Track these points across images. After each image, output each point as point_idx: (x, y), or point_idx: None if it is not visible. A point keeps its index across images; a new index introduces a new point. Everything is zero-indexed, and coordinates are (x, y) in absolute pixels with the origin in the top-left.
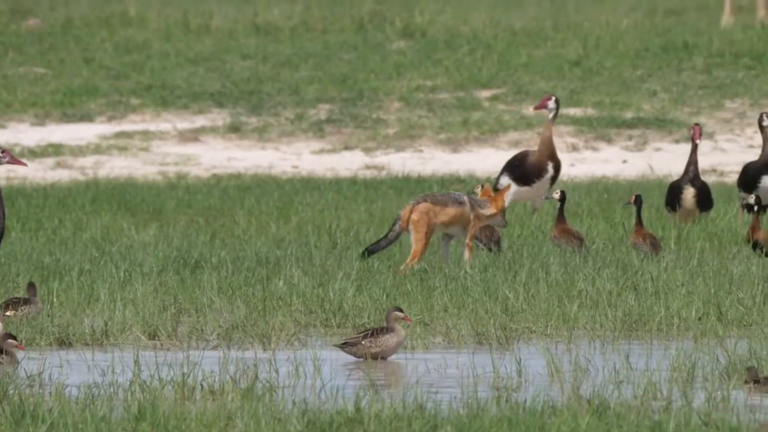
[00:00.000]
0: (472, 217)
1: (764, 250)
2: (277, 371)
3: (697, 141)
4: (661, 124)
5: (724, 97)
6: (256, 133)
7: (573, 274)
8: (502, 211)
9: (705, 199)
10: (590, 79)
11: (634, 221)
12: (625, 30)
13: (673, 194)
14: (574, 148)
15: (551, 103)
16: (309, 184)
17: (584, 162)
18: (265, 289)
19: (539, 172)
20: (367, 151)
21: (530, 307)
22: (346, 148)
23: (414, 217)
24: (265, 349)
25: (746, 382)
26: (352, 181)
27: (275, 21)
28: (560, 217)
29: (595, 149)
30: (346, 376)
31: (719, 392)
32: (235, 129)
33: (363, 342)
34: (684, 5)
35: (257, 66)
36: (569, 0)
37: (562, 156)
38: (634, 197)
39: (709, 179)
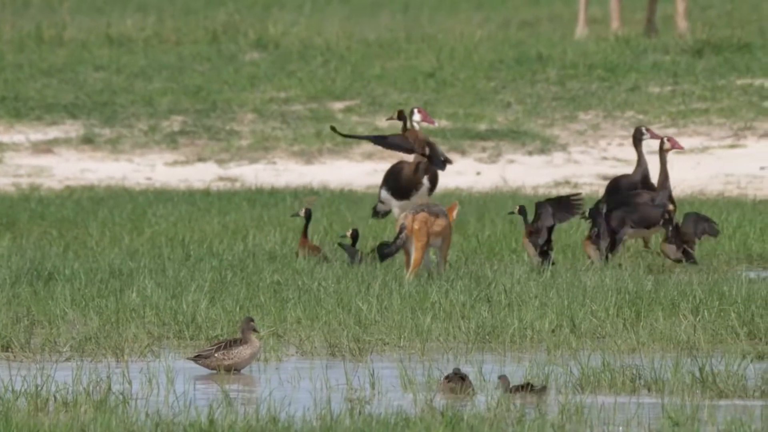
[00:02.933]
0: (449, 230)
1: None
2: (130, 383)
3: (680, 148)
4: (515, 135)
5: (578, 109)
6: (109, 144)
7: (426, 286)
8: None
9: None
10: (444, 91)
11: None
12: (479, 42)
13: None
14: None
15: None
16: (162, 196)
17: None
18: (118, 300)
19: (416, 186)
20: (220, 162)
21: (383, 319)
22: (200, 159)
23: (416, 226)
24: (118, 361)
25: (509, 390)
26: (206, 193)
27: (128, 32)
28: None
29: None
30: (200, 388)
31: (573, 404)
32: (88, 140)
33: (216, 354)
34: (538, 17)
35: (111, 77)
36: (423, 12)
37: None
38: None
39: (562, 191)
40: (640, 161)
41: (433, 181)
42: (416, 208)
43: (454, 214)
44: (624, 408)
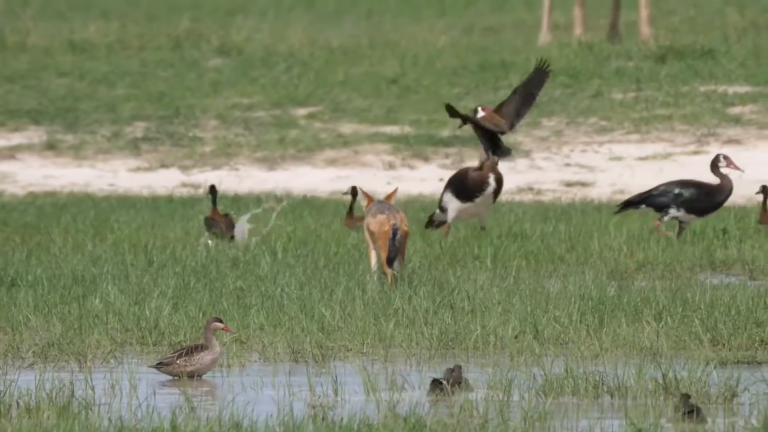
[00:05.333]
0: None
1: None
2: (93, 389)
3: (736, 169)
4: (478, 142)
5: (541, 115)
6: (72, 150)
7: (389, 292)
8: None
9: None
10: (407, 97)
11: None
12: (442, 48)
13: (708, 202)
14: (391, 167)
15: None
16: (125, 202)
17: (401, 180)
18: (81, 307)
19: (481, 187)
20: (183, 169)
21: (346, 325)
22: (163, 165)
23: (405, 228)
24: (81, 367)
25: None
26: (169, 199)
27: (91, 38)
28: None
29: (411, 167)
30: (162, 394)
31: (536, 410)
32: (51, 147)
33: (178, 361)
34: (501, 23)
35: (73, 83)
36: (386, 18)
37: (379, 174)
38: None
39: (525, 197)
40: (723, 180)
41: (499, 182)
42: (393, 209)
43: (392, 200)
44: (587, 414)
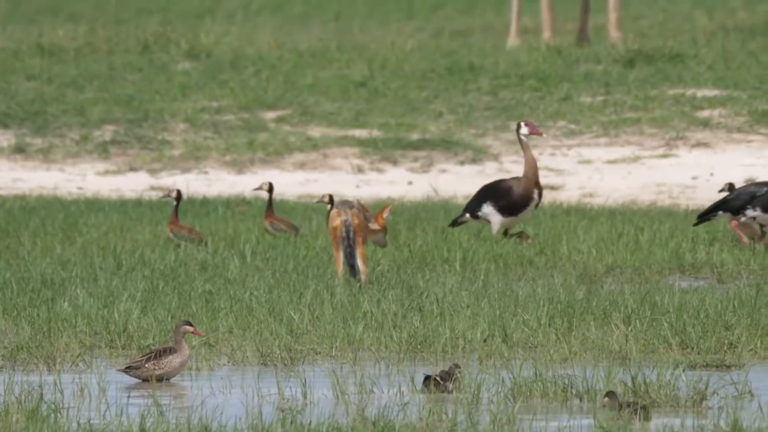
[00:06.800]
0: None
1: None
2: (62, 392)
3: None
4: (446, 145)
5: (510, 119)
6: (41, 154)
7: (358, 295)
8: (384, 230)
9: None
10: (376, 101)
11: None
12: (411, 51)
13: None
14: (360, 170)
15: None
16: (94, 206)
17: (369, 184)
18: (50, 310)
19: (527, 201)
20: (152, 172)
21: (315, 329)
22: (132, 169)
23: (356, 221)
24: (50, 371)
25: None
26: (138, 203)
27: (60, 42)
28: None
29: (380, 171)
30: (131, 397)
31: (504, 414)
32: (20, 150)
33: (146, 365)
34: (470, 27)
35: (42, 87)
36: (354, 21)
37: (348, 178)
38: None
39: None
40: None
41: (540, 195)
42: (346, 205)
43: (385, 214)
44: (556, 417)
